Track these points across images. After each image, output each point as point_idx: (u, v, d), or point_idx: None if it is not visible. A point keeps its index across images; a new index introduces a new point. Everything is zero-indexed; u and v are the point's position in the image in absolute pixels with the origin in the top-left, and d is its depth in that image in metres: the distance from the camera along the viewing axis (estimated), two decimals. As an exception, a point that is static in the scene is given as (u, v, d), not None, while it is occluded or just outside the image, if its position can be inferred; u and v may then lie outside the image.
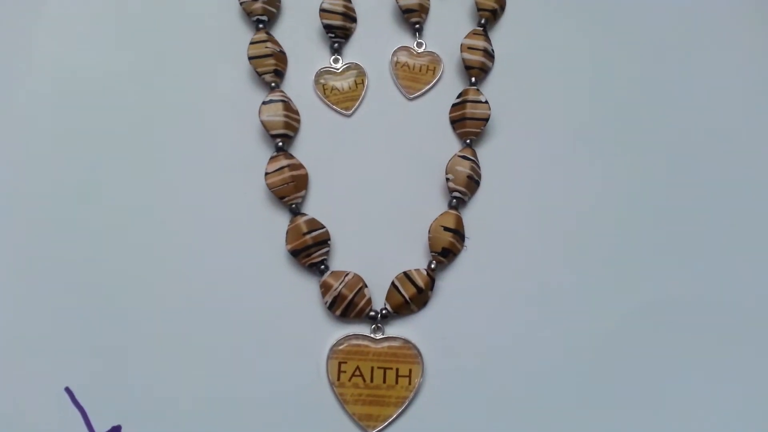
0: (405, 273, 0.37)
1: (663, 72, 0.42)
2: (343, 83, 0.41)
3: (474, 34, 0.41)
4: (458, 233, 0.38)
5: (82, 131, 0.39)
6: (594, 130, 0.41)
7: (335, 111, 0.41)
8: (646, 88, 0.42)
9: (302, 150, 0.40)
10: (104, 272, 0.37)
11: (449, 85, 0.41)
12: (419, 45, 0.42)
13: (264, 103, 0.39)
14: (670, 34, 0.42)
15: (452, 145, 0.40)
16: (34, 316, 0.36)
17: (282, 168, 0.38)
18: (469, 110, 0.40)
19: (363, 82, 0.41)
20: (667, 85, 0.42)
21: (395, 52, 0.41)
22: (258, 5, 0.40)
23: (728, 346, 0.37)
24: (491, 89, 0.41)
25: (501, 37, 0.42)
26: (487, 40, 0.41)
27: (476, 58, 0.40)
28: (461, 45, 0.41)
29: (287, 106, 0.39)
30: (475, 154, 0.40)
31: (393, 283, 0.37)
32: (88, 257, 0.37)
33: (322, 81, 0.41)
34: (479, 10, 0.41)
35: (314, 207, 0.39)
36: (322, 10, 0.40)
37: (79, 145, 0.39)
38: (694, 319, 0.37)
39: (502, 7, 0.42)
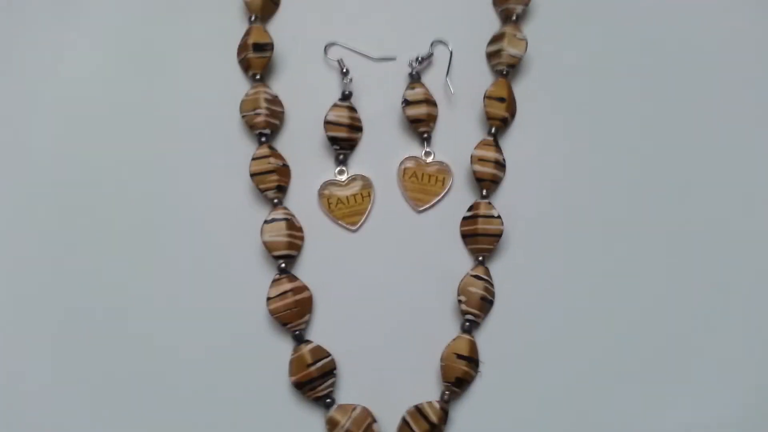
0: (417, 407, 0.35)
1: (683, 180, 0.41)
2: (349, 196, 0.40)
3: (484, 144, 0.40)
4: (472, 360, 0.37)
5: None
6: (609, 241, 0.40)
7: (341, 226, 0.40)
8: (662, 187, 0.41)
9: (306, 268, 0.39)
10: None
11: (459, 197, 0.41)
12: (427, 154, 0.41)
13: (266, 221, 0.38)
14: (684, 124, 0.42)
15: (464, 260, 0.39)
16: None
17: (285, 293, 0.36)
18: (481, 225, 0.39)
19: (369, 195, 0.40)
20: (686, 182, 0.41)
21: (403, 162, 0.41)
22: (261, 119, 0.39)
23: None
24: (503, 200, 0.40)
25: (512, 144, 0.41)
26: (498, 150, 0.40)
27: (487, 170, 0.40)
28: (471, 156, 0.40)
29: (290, 224, 0.38)
30: (488, 273, 0.38)
31: (404, 419, 0.35)
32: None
33: (326, 193, 0.40)
34: (489, 119, 0.41)
35: (319, 331, 0.38)
36: (327, 122, 0.40)
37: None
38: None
39: (513, 114, 0.42)
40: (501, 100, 0.41)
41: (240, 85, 0.41)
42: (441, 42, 0.43)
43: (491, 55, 0.43)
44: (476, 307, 0.37)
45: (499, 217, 0.39)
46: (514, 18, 0.43)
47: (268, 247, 0.37)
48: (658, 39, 0.43)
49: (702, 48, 0.43)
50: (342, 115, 0.40)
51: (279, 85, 0.42)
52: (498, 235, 0.39)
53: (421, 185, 0.40)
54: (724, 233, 0.40)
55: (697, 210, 0.40)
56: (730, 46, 0.43)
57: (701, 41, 0.43)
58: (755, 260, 0.39)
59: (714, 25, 0.43)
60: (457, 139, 0.41)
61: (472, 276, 0.38)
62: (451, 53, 0.42)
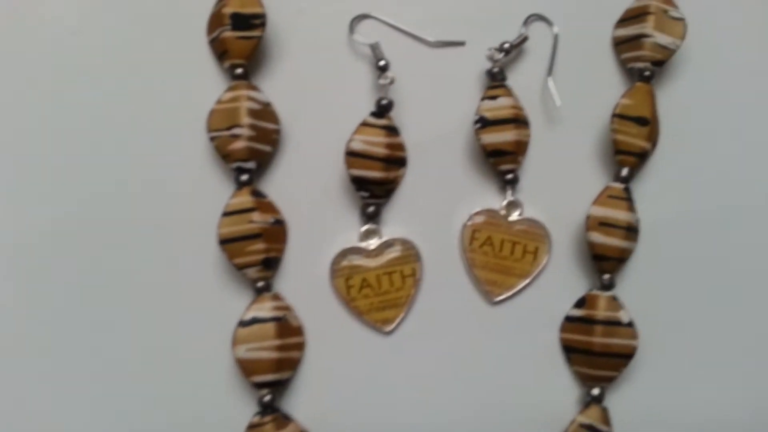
0: None
1: None
2: (381, 275, 0.29)
3: (610, 196, 0.29)
4: None
5: None
6: None
7: (366, 325, 0.29)
8: None
9: (307, 396, 0.28)
10: None
11: (561, 280, 0.30)
12: (512, 207, 0.30)
13: (242, 323, 0.26)
14: None
15: (567, 389, 0.29)
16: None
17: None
18: (600, 337, 0.28)
19: (414, 274, 0.29)
20: None
21: (471, 218, 0.30)
22: (240, 143, 0.28)
23: None
24: (634, 288, 0.29)
25: (649, 194, 0.30)
26: (632, 206, 0.29)
27: (614, 241, 0.29)
28: (588, 218, 0.28)
29: (283, 326, 0.27)
30: (606, 418, 0.28)
31: None
32: None
33: (345, 269, 0.29)
34: (620, 152, 0.29)
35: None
36: (351, 153, 0.28)
37: None
38: None
39: (655, 143, 0.29)
40: (640, 121, 0.29)
41: (212, 81, 0.29)
42: (539, 18, 0.31)
43: (623, 44, 0.31)
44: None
45: (630, 324, 0.28)
46: (665, -19, 0.30)
47: (245, 368, 0.26)
48: None
49: None
50: (375, 142, 0.29)
51: (273, 85, 0.30)
52: (628, 356, 0.28)
53: (500, 259, 0.30)
54: None
55: None
56: None
57: None
58: None
59: None
60: (562, 182, 0.30)
61: (582, 426, 0.27)
62: (555, 38, 0.31)
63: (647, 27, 0.29)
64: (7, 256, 0.30)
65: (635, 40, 0.29)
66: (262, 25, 0.28)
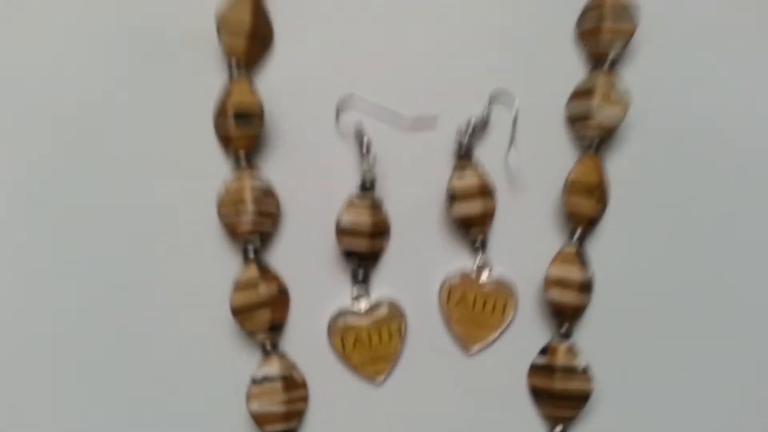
0: None
1: None
2: (372, 333, 0.32)
3: (564, 258, 0.32)
4: None
5: None
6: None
7: (360, 377, 0.33)
8: None
9: None
10: None
11: (527, 330, 0.33)
12: (482, 269, 0.33)
13: (254, 381, 0.30)
14: None
15: (533, 426, 0.32)
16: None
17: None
18: (560, 382, 0.32)
19: (400, 330, 0.33)
20: None
21: (447, 280, 0.33)
22: (247, 224, 0.32)
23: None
24: (591, 336, 0.33)
25: (601, 252, 0.33)
26: (584, 266, 0.32)
27: (569, 298, 0.32)
28: (546, 279, 0.32)
29: (288, 383, 0.31)
30: None
31: None
32: None
33: (340, 327, 0.33)
34: (572, 218, 0.32)
35: None
36: (341, 230, 0.31)
37: None
38: None
39: (604, 207, 0.33)
40: (589, 190, 0.32)
41: (219, 167, 0.33)
42: (503, 97, 0.34)
43: (574, 120, 0.34)
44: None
45: (585, 370, 0.31)
46: (608, 62, 0.33)
47: (258, 420, 0.31)
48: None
49: None
50: (362, 217, 0.32)
51: (273, 169, 0.33)
52: (585, 398, 0.31)
53: (473, 315, 0.33)
54: None
55: None
56: None
57: None
58: None
59: None
60: (525, 244, 0.34)
61: None
62: (516, 116, 0.34)
63: (593, 104, 0.32)
64: (27, 334, 0.32)
65: (584, 117, 0.33)
66: (261, 117, 0.32)
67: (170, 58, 0.34)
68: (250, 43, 0.33)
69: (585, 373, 0.31)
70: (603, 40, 0.33)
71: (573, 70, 0.34)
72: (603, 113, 0.32)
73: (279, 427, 0.30)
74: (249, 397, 0.30)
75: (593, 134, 0.33)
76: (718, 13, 0.34)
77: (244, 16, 0.32)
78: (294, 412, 0.31)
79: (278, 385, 0.30)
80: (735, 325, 0.33)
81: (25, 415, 0.32)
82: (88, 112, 0.33)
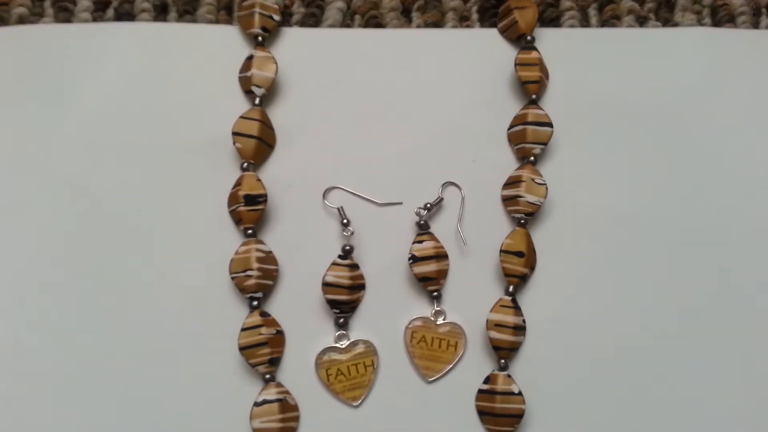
0: None
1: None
2: (350, 366, 0.40)
3: (501, 306, 0.40)
4: None
5: None
6: (646, 413, 0.39)
7: (341, 401, 0.40)
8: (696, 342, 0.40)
9: None
10: None
11: (475, 364, 0.41)
12: (438, 314, 0.41)
13: (256, 404, 0.37)
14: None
15: None
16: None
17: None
18: (500, 404, 0.39)
19: (373, 364, 0.40)
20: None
21: (410, 323, 0.41)
22: (252, 281, 0.40)
23: None
24: (524, 370, 0.40)
25: (532, 302, 0.42)
26: (518, 312, 0.40)
27: (505, 337, 0.39)
28: (487, 322, 0.40)
29: (284, 406, 0.38)
30: None
31: None
32: None
33: (326, 362, 0.40)
34: (506, 275, 0.41)
35: None
36: (326, 284, 0.40)
37: None
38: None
39: (533, 268, 0.41)
40: (519, 254, 0.41)
41: (231, 238, 0.42)
42: (452, 184, 0.43)
43: (508, 201, 0.43)
44: (495, 504, 0.36)
45: (520, 393, 0.38)
46: (532, 159, 0.43)
47: None
48: (687, 178, 0.44)
49: (740, 177, 0.44)
50: (342, 276, 0.40)
51: (273, 239, 0.42)
52: (519, 416, 0.38)
53: (431, 351, 0.40)
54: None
55: (733, 347, 0.41)
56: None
57: (740, 169, 0.44)
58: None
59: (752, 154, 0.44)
60: (471, 296, 0.42)
61: None
62: (463, 198, 0.43)
63: (521, 190, 0.42)
64: (46, 386, 0.39)
65: (514, 199, 0.42)
66: (264, 201, 0.40)
67: (196, 158, 0.43)
68: (257, 147, 0.42)
69: (520, 396, 0.38)
70: (527, 143, 0.43)
71: (507, 164, 0.44)
72: (528, 197, 0.42)
73: None
74: (252, 416, 0.37)
75: (522, 212, 0.42)
76: (613, 125, 0.45)
77: (253, 128, 0.42)
78: (288, 428, 0.38)
79: (275, 407, 0.37)
80: (644, 365, 0.41)
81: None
82: (128, 200, 0.42)
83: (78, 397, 0.39)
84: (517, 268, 0.41)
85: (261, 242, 0.41)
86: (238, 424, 0.39)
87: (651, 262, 0.42)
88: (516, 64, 0.44)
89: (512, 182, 0.43)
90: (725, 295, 0.42)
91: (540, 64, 0.45)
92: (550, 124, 0.44)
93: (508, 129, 0.45)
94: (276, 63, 0.44)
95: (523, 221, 0.42)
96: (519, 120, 0.44)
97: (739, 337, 0.41)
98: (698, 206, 0.43)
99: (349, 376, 0.40)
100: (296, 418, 0.39)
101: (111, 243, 0.42)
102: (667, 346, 0.41)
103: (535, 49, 0.45)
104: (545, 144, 0.43)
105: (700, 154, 0.44)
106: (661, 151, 0.44)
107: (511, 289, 0.41)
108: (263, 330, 0.39)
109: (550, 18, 0.47)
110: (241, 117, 0.43)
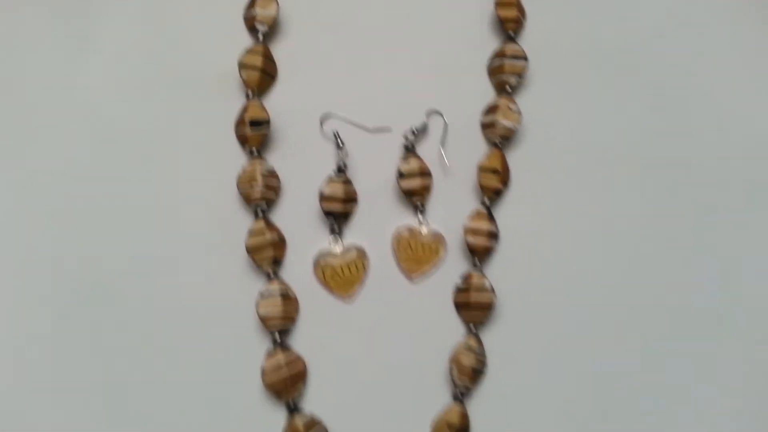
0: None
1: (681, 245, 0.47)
2: (344, 266, 0.46)
3: (477, 215, 0.46)
4: (464, 429, 0.42)
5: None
6: (602, 312, 0.45)
7: (335, 296, 0.46)
8: (655, 256, 0.47)
9: (301, 338, 0.45)
10: None
11: (453, 266, 0.47)
12: (422, 224, 0.47)
13: (261, 295, 0.44)
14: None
15: (456, 329, 0.45)
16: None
17: (279, 367, 0.42)
18: (474, 297, 0.45)
19: (364, 265, 0.46)
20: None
21: (397, 232, 0.47)
22: (257, 193, 0.46)
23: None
24: (496, 270, 0.46)
25: (505, 214, 0.48)
26: (491, 221, 0.46)
27: (480, 241, 0.46)
28: (464, 228, 0.46)
29: (285, 297, 0.44)
30: (480, 342, 0.44)
31: (394, 489, 0.40)
32: None
33: (321, 264, 0.46)
34: (483, 189, 0.47)
35: (313, 400, 0.44)
36: (322, 197, 0.46)
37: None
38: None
39: (506, 185, 0.48)
40: (494, 171, 0.47)
41: (238, 159, 0.48)
42: (436, 112, 0.49)
43: (486, 126, 0.49)
44: (468, 377, 0.43)
45: (491, 289, 0.45)
46: (508, 89, 0.49)
47: (263, 320, 0.44)
48: (655, 108, 0.50)
49: (707, 109, 0.50)
50: (337, 189, 0.46)
51: (276, 159, 0.48)
52: (490, 307, 0.45)
53: (415, 254, 0.46)
54: (735, 308, 0.47)
55: (700, 277, 0.47)
56: (742, 107, 0.50)
57: (707, 102, 0.50)
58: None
59: (724, 87, 0.50)
60: (452, 209, 0.47)
61: (463, 347, 0.44)
62: (445, 124, 0.49)
63: (498, 116, 0.47)
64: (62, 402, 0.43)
65: (492, 124, 0.48)
66: (268, 124, 0.46)
67: (206, 89, 0.49)
68: (261, 78, 0.48)
69: (491, 291, 0.44)
70: (504, 75, 0.49)
71: (486, 94, 0.50)
72: (504, 122, 0.48)
73: (278, 324, 0.43)
74: (257, 305, 0.44)
75: (498, 135, 0.48)
76: (587, 59, 0.51)
77: (257, 61, 0.48)
78: (288, 317, 0.44)
79: (278, 299, 0.44)
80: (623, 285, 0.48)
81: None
82: (144, 126, 0.48)
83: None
84: (492, 184, 0.47)
85: (264, 161, 0.47)
86: (245, 313, 0.45)
87: (618, 185, 0.48)
88: (495, 3, 0.50)
89: (490, 110, 0.49)
90: (690, 216, 0.48)
91: (517, 4, 0.51)
92: (525, 58, 0.49)
93: (488, 63, 0.50)
94: (277, 2, 0.50)
95: (499, 144, 0.48)
96: (497, 54, 0.50)
97: (708, 263, 0.47)
98: (667, 136, 0.49)
99: (343, 276, 0.46)
100: (296, 309, 0.45)
101: (128, 164, 0.48)
102: (630, 262, 0.47)
103: (513, -11, 0.51)
104: (520, 75, 0.49)
105: (669, 87, 0.50)
106: (632, 82, 0.50)
107: (486, 201, 0.47)
108: (267, 234, 0.45)
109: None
110: (246, 51, 0.49)
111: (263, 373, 0.42)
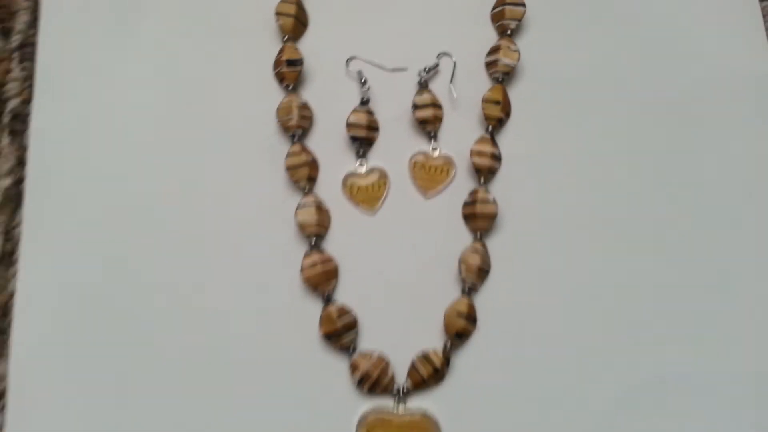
0: (423, 354, 0.49)
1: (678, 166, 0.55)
2: (368, 185, 0.54)
3: (482, 140, 0.54)
4: (470, 318, 0.50)
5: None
6: (594, 223, 0.53)
7: (361, 210, 0.54)
8: (652, 181, 0.55)
9: (333, 245, 0.53)
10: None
11: (462, 185, 0.54)
12: (434, 149, 0.55)
13: (299, 206, 0.53)
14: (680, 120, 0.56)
15: (465, 238, 0.53)
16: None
17: (315, 264, 0.51)
18: (479, 208, 0.53)
19: (385, 184, 0.54)
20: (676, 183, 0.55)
21: (413, 156, 0.54)
22: (293, 122, 0.54)
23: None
24: (499, 187, 0.54)
25: (507, 141, 0.55)
26: (494, 145, 0.54)
27: (484, 162, 0.54)
28: (471, 151, 0.54)
29: (319, 208, 0.53)
30: (485, 246, 0.52)
31: (413, 363, 0.49)
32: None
33: (349, 183, 0.54)
34: (486, 119, 0.55)
35: (344, 294, 0.52)
36: (349, 124, 0.54)
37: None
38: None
39: (508, 115, 0.56)
40: (497, 102, 0.55)
41: (276, 94, 0.56)
42: (446, 54, 0.56)
43: (489, 65, 0.57)
44: (474, 274, 0.51)
45: (494, 201, 0.53)
46: (508, 32, 0.57)
47: (301, 226, 0.52)
48: (646, 51, 0.57)
49: (693, 52, 0.57)
50: (361, 118, 0.54)
51: (308, 94, 0.55)
52: (493, 217, 0.53)
53: (429, 175, 0.54)
54: (723, 230, 0.54)
55: (690, 207, 0.54)
56: (726, 51, 0.57)
57: (694, 46, 0.57)
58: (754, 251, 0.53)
59: (710, 32, 0.58)
60: (460, 136, 0.54)
61: (470, 250, 0.52)
62: (454, 64, 0.56)
63: (499, 55, 0.55)
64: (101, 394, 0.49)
65: (494, 62, 0.55)
66: (301, 64, 0.54)
67: (246, 35, 0.57)
68: (295, 24, 0.56)
69: (494, 203, 0.52)
70: (505, 19, 0.57)
71: (489, 37, 0.57)
72: (505, 59, 0.56)
73: (313, 230, 0.51)
74: (296, 214, 0.52)
75: (499, 71, 0.56)
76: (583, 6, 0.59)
77: (291, 9, 0.56)
78: (322, 225, 0.52)
79: (313, 209, 0.51)
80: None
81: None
82: (198, 69, 0.57)
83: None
84: (495, 113, 0.55)
85: (299, 95, 0.56)
86: (286, 222, 0.53)
87: (607, 114, 0.56)
88: (498, -42, 0.58)
89: (493, 50, 0.57)
90: (680, 143, 0.56)
91: (517, -42, 0.58)
92: (523, 5, 0.57)
93: (491, 10, 0.58)
94: (308, -42, 0.58)
95: (500, 79, 0.56)
96: (499, 2, 0.58)
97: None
98: (652, 69, 0.57)
99: (367, 192, 0.54)
100: (328, 219, 0.53)
101: (187, 102, 0.56)
102: (620, 181, 0.55)
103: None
104: (519, 20, 0.57)
105: (658, 33, 0.58)
106: (627, 27, 0.58)
107: (489, 128, 0.55)
108: (303, 155, 0.53)
109: None
110: (282, 1, 0.57)
111: (302, 269, 0.51)
